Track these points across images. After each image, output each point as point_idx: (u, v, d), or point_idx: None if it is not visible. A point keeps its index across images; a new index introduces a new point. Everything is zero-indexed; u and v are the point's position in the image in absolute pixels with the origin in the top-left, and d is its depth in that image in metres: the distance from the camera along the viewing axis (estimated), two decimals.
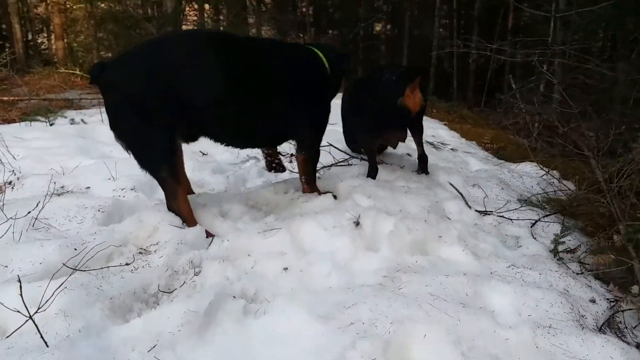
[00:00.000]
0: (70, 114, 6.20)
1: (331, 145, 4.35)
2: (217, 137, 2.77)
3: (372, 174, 3.53)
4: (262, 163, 4.00)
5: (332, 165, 4.05)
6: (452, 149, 5.23)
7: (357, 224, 2.56)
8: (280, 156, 3.99)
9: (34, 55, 16.99)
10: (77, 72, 11.35)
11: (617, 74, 5.93)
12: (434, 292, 2.03)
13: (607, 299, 2.35)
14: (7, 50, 11.84)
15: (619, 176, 3.48)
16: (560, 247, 2.72)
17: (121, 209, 2.83)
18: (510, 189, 3.85)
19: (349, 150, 4.45)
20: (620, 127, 5.06)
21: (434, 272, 2.25)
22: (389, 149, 4.43)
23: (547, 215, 3.34)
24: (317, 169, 3.71)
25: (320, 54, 3.05)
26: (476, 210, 3.24)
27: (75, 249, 2.22)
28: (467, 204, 3.31)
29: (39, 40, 20.03)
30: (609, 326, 2.18)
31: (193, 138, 2.77)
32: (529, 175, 4.39)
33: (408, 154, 4.49)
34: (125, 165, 3.57)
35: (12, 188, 3.13)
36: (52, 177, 3.20)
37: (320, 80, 3.02)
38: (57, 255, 2.15)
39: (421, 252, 2.50)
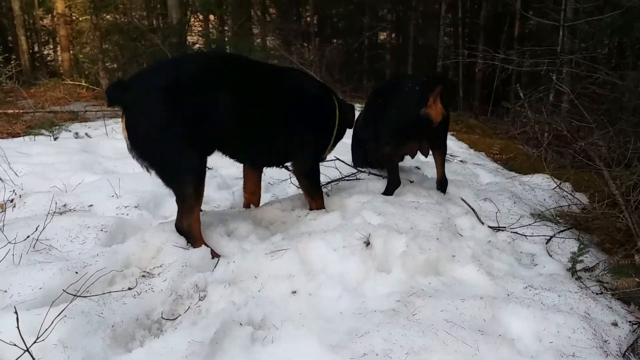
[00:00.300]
0: (75, 127, 6.17)
1: (338, 159, 4.26)
2: (234, 154, 2.89)
3: (391, 188, 3.41)
4: (269, 176, 3.93)
5: (340, 179, 3.97)
6: (461, 161, 5.14)
7: (368, 243, 2.47)
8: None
9: (40, 67, 17.06)
10: (83, 83, 11.37)
11: (627, 82, 5.83)
12: (450, 318, 1.94)
13: (630, 322, 2.25)
14: (13, 62, 11.89)
15: (636, 190, 3.38)
16: (578, 266, 2.63)
17: (124, 228, 2.76)
18: (522, 203, 3.75)
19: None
20: (632, 137, 4.96)
21: (449, 295, 2.16)
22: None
23: (562, 231, 3.24)
24: (326, 182, 3.64)
25: (335, 101, 3.23)
26: (489, 226, 3.14)
27: (77, 272, 2.16)
28: (479, 219, 3.22)
29: (45, 52, 20.10)
30: (633, 352, 2.09)
31: (209, 153, 2.77)
32: (541, 187, 4.29)
33: (417, 167, 4.41)
34: (129, 181, 3.52)
35: (14, 207, 3.06)
36: (55, 195, 3.14)
37: (327, 112, 3.16)
38: (58, 280, 2.09)
39: (435, 273, 2.40)
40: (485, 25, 14.68)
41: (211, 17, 15.69)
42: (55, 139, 5.33)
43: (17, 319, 1.58)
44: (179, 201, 2.58)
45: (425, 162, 4.37)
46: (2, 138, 5.58)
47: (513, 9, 12.43)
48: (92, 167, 3.97)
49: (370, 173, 4.04)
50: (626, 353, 2.04)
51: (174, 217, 2.91)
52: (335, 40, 18.33)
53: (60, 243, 2.55)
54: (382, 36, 20.82)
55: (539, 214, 3.52)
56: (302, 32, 17.03)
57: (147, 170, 2.56)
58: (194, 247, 2.50)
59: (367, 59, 18.35)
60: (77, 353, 1.68)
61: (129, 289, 2.12)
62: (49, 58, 20.11)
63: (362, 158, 4.22)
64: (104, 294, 2.04)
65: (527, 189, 4.17)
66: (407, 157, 4.22)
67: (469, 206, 3.41)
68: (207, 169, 2.70)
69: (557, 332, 1.96)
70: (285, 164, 3.40)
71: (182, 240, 2.52)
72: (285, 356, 1.76)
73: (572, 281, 2.51)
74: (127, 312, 1.95)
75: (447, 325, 1.88)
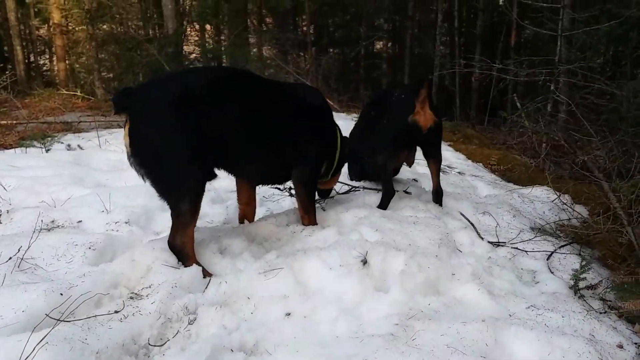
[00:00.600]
0: (68, 138, 6.07)
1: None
2: (238, 170, 2.87)
3: (387, 199, 3.36)
4: (264, 190, 3.86)
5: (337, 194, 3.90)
6: (459, 172, 5.07)
7: (365, 262, 2.38)
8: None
9: (35, 77, 17.00)
10: (78, 93, 11.28)
11: (626, 93, 5.79)
12: (451, 343, 1.86)
13: (635, 344, 2.18)
14: (8, 72, 11.80)
15: (638, 203, 3.32)
16: (581, 284, 2.55)
17: (114, 246, 2.68)
18: (522, 216, 3.68)
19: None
20: (630, 148, 4.91)
21: (449, 317, 2.08)
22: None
23: (563, 246, 3.17)
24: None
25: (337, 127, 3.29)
26: (489, 242, 3.07)
27: (62, 294, 2.07)
28: (478, 234, 3.14)
29: (41, 62, 20.06)
30: None
31: (211, 169, 2.71)
32: (540, 200, 4.23)
33: (414, 179, 4.33)
34: (120, 195, 3.44)
35: (0, 223, 2.97)
36: (43, 211, 3.05)
37: (328, 126, 3.19)
38: (42, 302, 2.01)
39: (434, 293, 2.32)
40: (482, 34, 14.72)
41: (207, 26, 15.68)
42: (47, 150, 5.24)
43: None
44: (174, 216, 2.49)
45: (422, 175, 4.31)
46: None
47: (509, 19, 12.47)
48: (83, 181, 3.88)
49: (364, 188, 3.96)
50: None
51: (166, 233, 2.83)
52: (331, 50, 18.38)
53: (47, 262, 2.46)
54: (379, 45, 20.88)
55: (539, 228, 3.45)
56: (298, 41, 17.05)
57: (143, 179, 2.48)
58: (186, 266, 2.42)
59: (363, 69, 18.38)
60: None
61: (116, 312, 2.03)
62: (44, 68, 20.06)
63: (358, 171, 4.16)
64: (88, 317, 1.95)
65: (527, 202, 4.11)
66: (404, 169, 4.16)
67: (468, 220, 3.34)
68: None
69: (562, 358, 1.88)
70: (282, 183, 3.36)
71: (172, 259, 2.43)
72: None
73: (575, 300, 2.43)
74: (113, 337, 1.86)
75: (448, 351, 1.80)
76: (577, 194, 4.44)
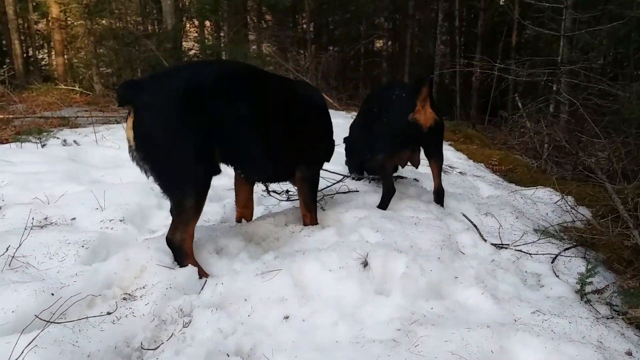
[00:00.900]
0: (64, 133, 5.98)
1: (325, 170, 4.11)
2: (243, 167, 2.81)
3: (387, 198, 3.30)
4: (261, 188, 3.79)
5: (329, 186, 3.84)
6: (460, 173, 5.01)
7: (365, 264, 2.32)
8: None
9: (34, 71, 16.87)
10: (77, 88, 11.18)
11: (630, 94, 5.73)
12: (455, 350, 1.79)
13: None
14: (5, 66, 11.69)
15: None
16: (587, 288, 2.49)
17: (107, 244, 2.60)
18: (525, 218, 3.62)
19: (342, 171, 4.27)
20: (635, 150, 4.86)
21: (453, 322, 2.01)
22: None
23: (567, 249, 3.11)
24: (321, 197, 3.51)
25: None
26: (492, 244, 3.01)
27: (53, 294, 2.00)
28: (481, 236, 3.08)
29: (40, 56, 19.93)
30: None
31: (217, 165, 2.64)
32: (543, 201, 4.17)
33: (415, 179, 4.27)
34: (115, 192, 3.36)
35: None
36: (36, 208, 2.97)
37: (330, 125, 3.19)
38: (32, 302, 1.94)
39: (437, 297, 2.25)
40: (483, 34, 14.64)
41: (207, 23, 15.56)
42: (42, 146, 5.15)
43: None
44: (176, 212, 2.42)
45: (424, 175, 4.24)
46: None
47: (510, 18, 12.41)
48: (78, 177, 3.80)
49: (355, 177, 3.97)
50: None
51: (162, 231, 2.77)
52: (331, 48, 18.26)
53: (38, 260, 2.38)
54: (379, 44, 20.80)
55: (543, 230, 3.39)
56: (298, 39, 16.95)
57: (146, 174, 2.40)
58: (183, 265, 2.35)
59: (363, 67, 18.31)
60: None
61: (108, 313, 1.96)
62: (43, 62, 19.93)
63: (356, 166, 4.12)
64: (80, 319, 1.88)
65: (529, 203, 4.05)
66: (406, 169, 4.09)
67: (470, 222, 3.27)
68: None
69: None
70: (284, 181, 3.32)
71: (168, 259, 2.36)
72: None
73: (582, 305, 2.37)
74: (105, 339, 1.80)
75: (452, 358, 1.73)
76: (581, 196, 4.38)
